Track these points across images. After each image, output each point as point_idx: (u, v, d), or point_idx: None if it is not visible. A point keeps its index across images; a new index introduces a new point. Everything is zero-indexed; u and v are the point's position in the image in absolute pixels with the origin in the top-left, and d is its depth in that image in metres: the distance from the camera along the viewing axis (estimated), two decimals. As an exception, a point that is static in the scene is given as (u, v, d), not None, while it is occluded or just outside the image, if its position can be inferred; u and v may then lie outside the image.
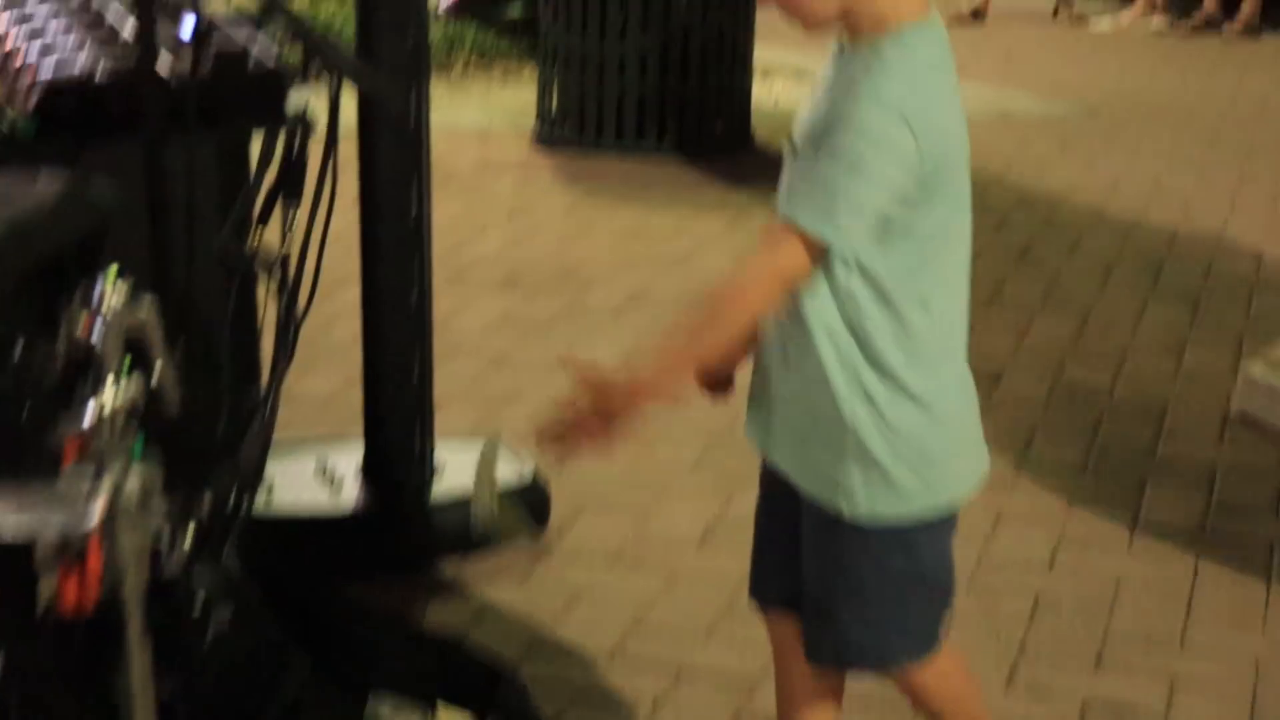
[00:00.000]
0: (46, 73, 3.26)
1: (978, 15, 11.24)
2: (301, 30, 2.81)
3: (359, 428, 4.25)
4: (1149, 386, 5.39)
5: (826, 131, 2.62)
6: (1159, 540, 4.39)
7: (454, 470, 4.22)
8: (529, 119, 7.97)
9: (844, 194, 2.55)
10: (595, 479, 4.31)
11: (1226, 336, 5.81)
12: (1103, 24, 11.24)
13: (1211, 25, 11.01)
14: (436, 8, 9.74)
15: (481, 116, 8.24)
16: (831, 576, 2.88)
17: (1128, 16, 11.30)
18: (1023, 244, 6.64)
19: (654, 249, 6.49)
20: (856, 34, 2.64)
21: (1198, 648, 3.85)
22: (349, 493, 4.18)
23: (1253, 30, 10.75)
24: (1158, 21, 11.16)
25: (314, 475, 4.24)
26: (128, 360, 2.12)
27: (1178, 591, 4.13)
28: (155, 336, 2.14)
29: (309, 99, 3.16)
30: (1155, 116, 8.73)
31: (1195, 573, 4.22)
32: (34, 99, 3.18)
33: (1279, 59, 9.72)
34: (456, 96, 8.59)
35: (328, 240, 3.17)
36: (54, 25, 3.60)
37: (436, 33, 9.24)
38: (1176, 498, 4.64)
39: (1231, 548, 4.36)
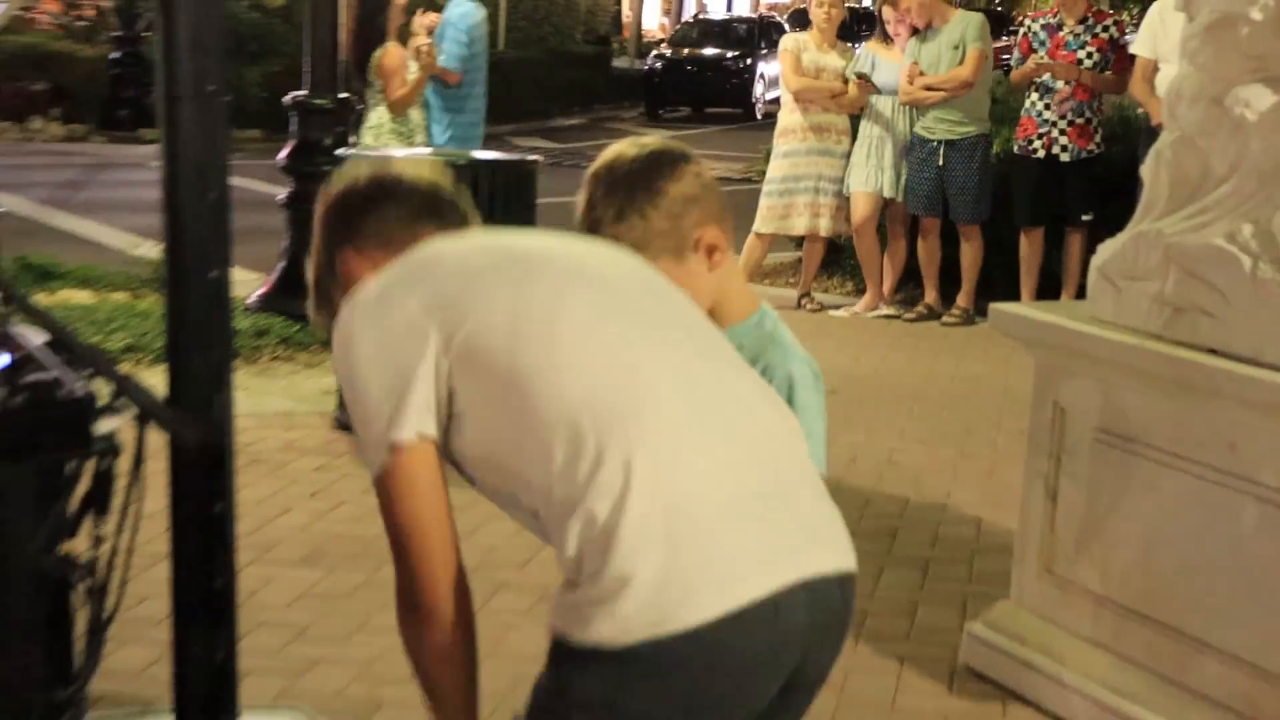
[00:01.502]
0: None
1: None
2: (101, 364, 2.82)
3: (169, 699, 4.15)
4: (887, 645, 5.41)
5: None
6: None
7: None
8: (330, 404, 7.94)
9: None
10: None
11: (953, 596, 5.89)
12: (840, 313, 11.44)
13: (931, 314, 11.25)
14: (246, 300, 9.73)
15: (286, 402, 8.21)
16: None
17: (861, 305, 11.50)
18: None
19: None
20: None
21: None
22: (159, 766, 4.11)
23: (967, 319, 10.97)
24: (885, 310, 11.38)
25: (126, 748, 4.17)
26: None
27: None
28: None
29: (115, 426, 3.17)
30: (886, 396, 8.90)
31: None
32: None
33: (989, 344, 9.90)
34: (262, 383, 8.53)
35: (140, 524, 3.18)
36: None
37: (245, 323, 9.24)
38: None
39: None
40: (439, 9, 11.78)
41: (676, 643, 2.50)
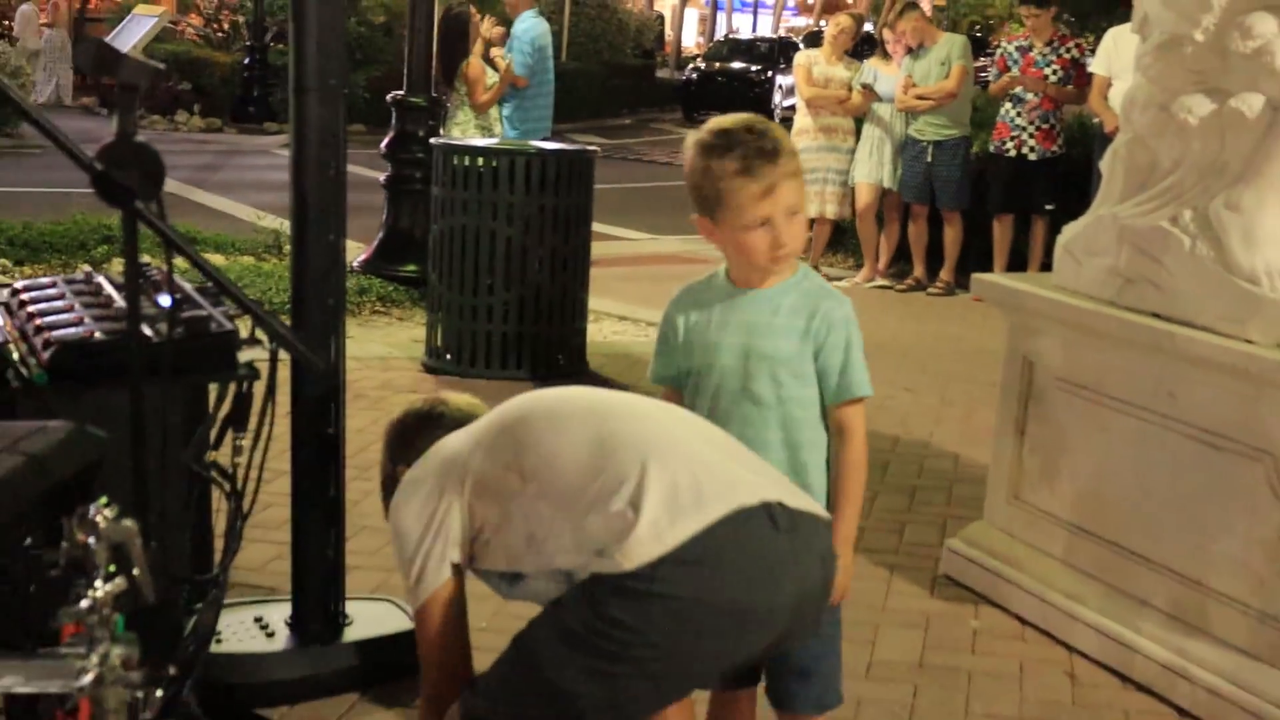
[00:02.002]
0: (57, 334, 3.27)
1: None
2: (248, 304, 2.84)
3: (288, 588, 4.23)
4: (879, 556, 5.43)
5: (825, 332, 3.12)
6: (889, 669, 4.46)
7: (360, 622, 4.22)
8: (419, 351, 7.98)
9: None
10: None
11: (935, 518, 5.90)
12: (842, 284, 11.40)
13: (919, 286, 11.24)
14: (352, 263, 9.75)
15: (382, 349, 8.23)
16: None
17: (860, 277, 11.50)
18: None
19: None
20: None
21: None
22: (280, 639, 4.12)
23: (949, 290, 10.96)
24: (880, 281, 11.38)
25: (253, 626, 4.19)
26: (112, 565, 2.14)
27: (902, 709, 4.19)
28: (135, 546, 2.15)
29: (253, 357, 3.21)
30: (880, 353, 8.74)
31: (914, 693, 4.29)
32: (47, 355, 3.18)
33: (967, 311, 9.89)
34: (363, 332, 8.56)
35: (269, 445, 3.22)
36: (65, 299, 3.61)
37: (350, 282, 9.26)
38: (902, 637, 4.71)
39: (942, 675, 4.44)
40: (507, 22, 11.76)
41: (704, 536, 2.57)
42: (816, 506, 2.84)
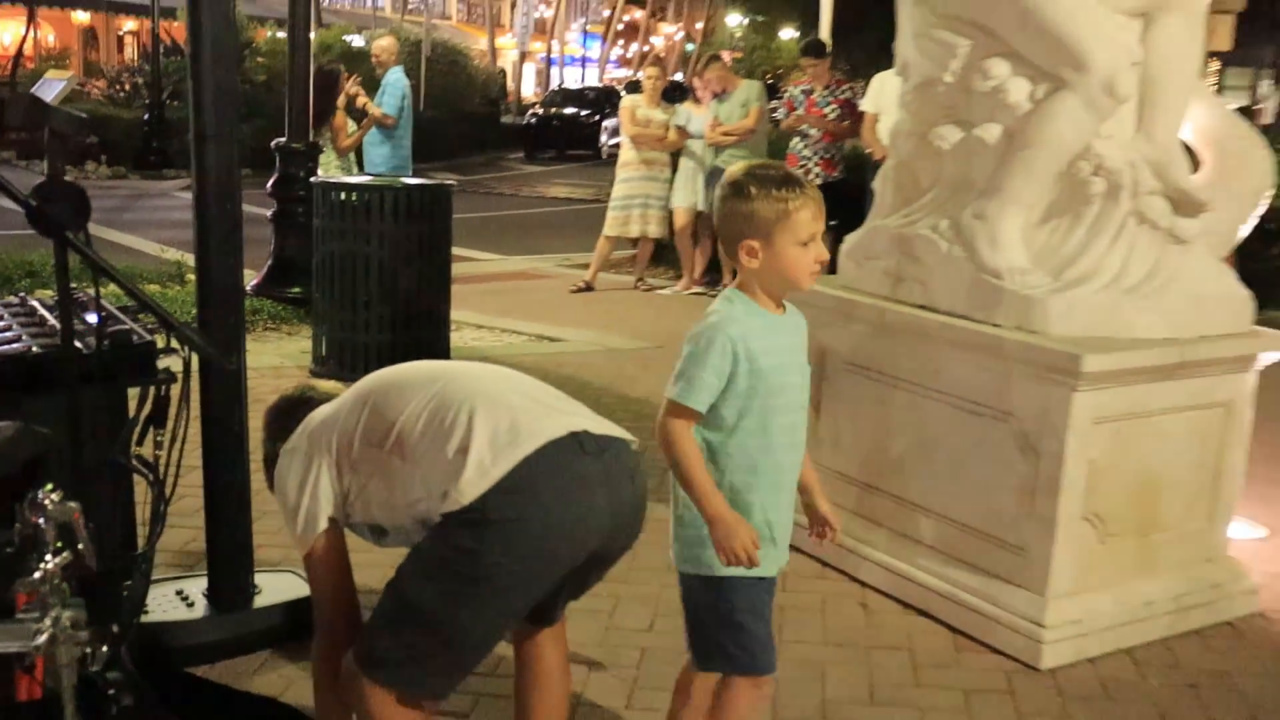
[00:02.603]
0: (-2, 350, 3.22)
1: (588, 288, 11.42)
2: (166, 316, 2.84)
3: (204, 565, 4.21)
4: None
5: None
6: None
7: (267, 591, 4.20)
8: (307, 360, 7.87)
9: None
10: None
11: None
12: (665, 292, 11.48)
13: (729, 291, 11.29)
14: (247, 287, 9.62)
15: (275, 359, 8.11)
16: None
17: (680, 286, 11.56)
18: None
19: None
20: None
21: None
22: (199, 609, 4.10)
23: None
24: (696, 289, 11.44)
25: (175, 598, 4.15)
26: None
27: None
28: (78, 525, 2.15)
29: (169, 362, 3.19)
30: (698, 348, 8.94)
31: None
32: (-11, 368, 3.13)
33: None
34: (259, 345, 8.41)
35: (184, 441, 3.21)
36: (4, 320, 3.55)
37: (247, 304, 9.16)
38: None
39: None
40: (368, 77, 11.83)
41: (522, 467, 2.64)
42: (621, 431, 2.89)
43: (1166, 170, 4.38)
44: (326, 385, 3.12)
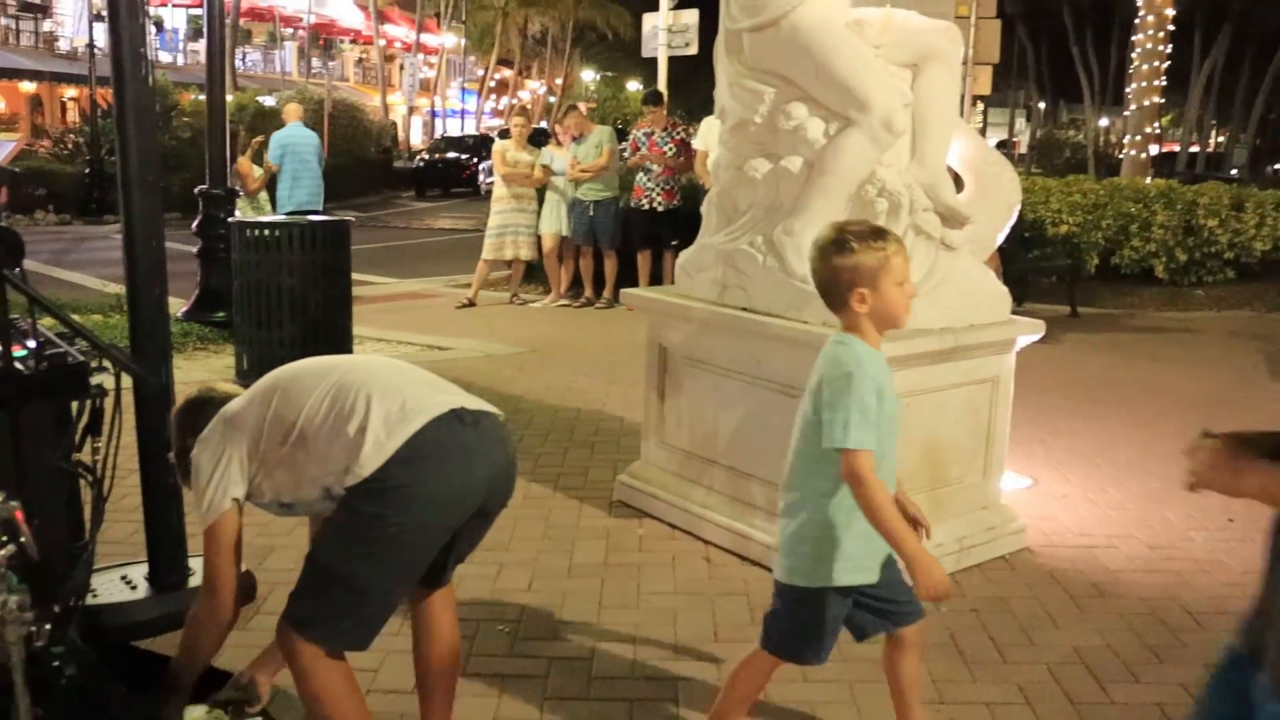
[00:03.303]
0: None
1: (471, 304, 11.31)
2: (92, 339, 2.75)
3: (145, 554, 4.09)
4: (573, 492, 5.43)
5: None
6: (584, 569, 4.46)
7: (200, 574, 4.09)
8: (231, 374, 7.66)
9: None
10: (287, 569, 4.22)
11: (609, 461, 5.91)
12: (536, 305, 11.43)
13: (589, 303, 11.31)
14: (177, 314, 9.39)
15: (203, 374, 7.88)
16: None
17: (548, 300, 11.50)
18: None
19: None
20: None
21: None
22: (141, 590, 3.99)
23: (610, 304, 11.05)
24: (562, 302, 11.42)
25: (120, 583, 4.04)
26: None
27: (595, 595, 4.22)
28: (19, 523, 2.08)
29: (101, 379, 3.09)
30: (565, 352, 8.91)
31: (602, 584, 4.31)
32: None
33: (624, 319, 10.01)
34: (189, 363, 8.22)
35: (120, 449, 3.11)
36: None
37: (176, 329, 8.92)
38: (591, 546, 4.71)
39: (621, 570, 4.47)
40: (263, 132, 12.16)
41: (413, 440, 2.63)
42: (491, 406, 2.86)
43: (936, 191, 4.47)
44: (224, 386, 3.03)
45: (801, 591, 2.83)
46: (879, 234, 2.77)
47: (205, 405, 2.93)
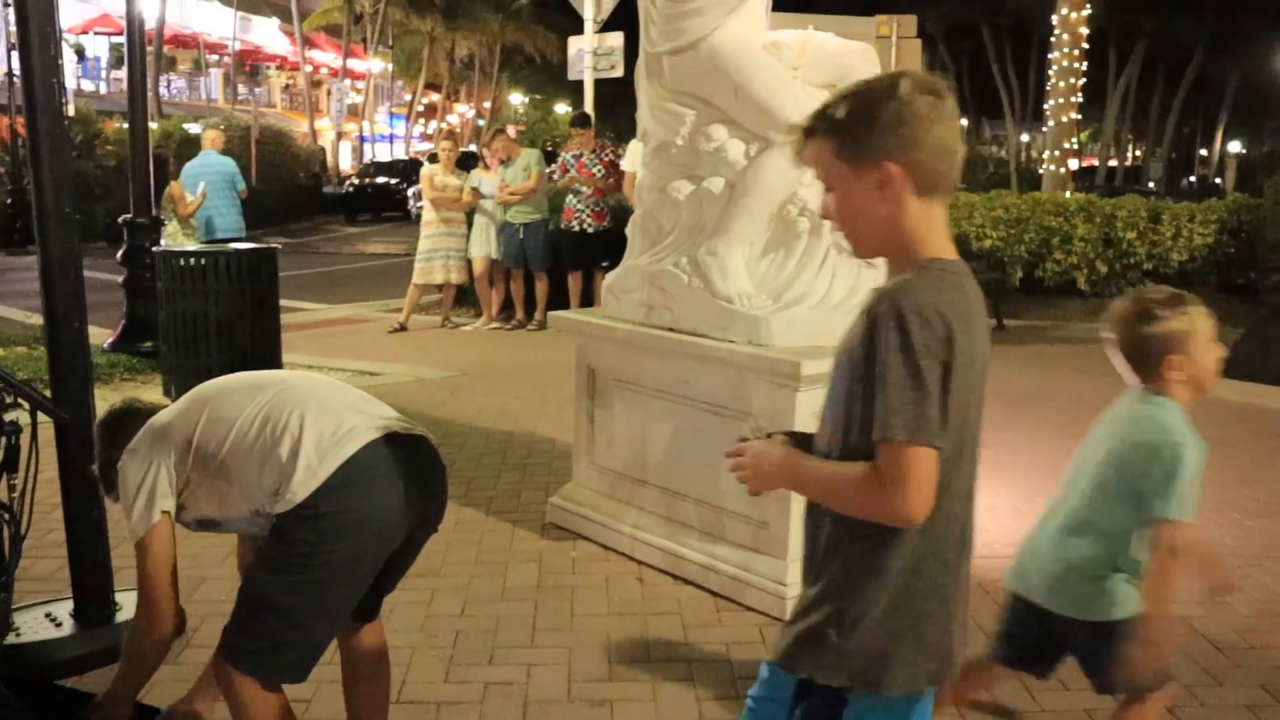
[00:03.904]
0: None
1: (403, 328, 11.25)
2: (8, 379, 2.71)
3: (69, 591, 4.01)
4: (506, 515, 5.42)
5: None
6: (518, 591, 4.43)
7: (128, 607, 4.02)
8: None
9: None
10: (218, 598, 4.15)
11: (542, 483, 5.89)
12: (467, 328, 11.39)
13: (520, 325, 11.29)
14: (103, 345, 9.25)
15: (132, 406, 7.79)
16: None
17: (480, 322, 11.47)
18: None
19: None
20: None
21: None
22: (67, 627, 3.91)
23: (541, 326, 11.01)
24: (494, 324, 11.38)
25: (45, 620, 3.96)
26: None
27: (529, 618, 4.22)
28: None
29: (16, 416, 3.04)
30: (498, 374, 8.89)
31: (536, 607, 4.30)
32: None
33: (555, 340, 9.98)
34: (116, 394, 7.92)
35: (42, 484, 3.06)
36: None
37: (103, 360, 8.77)
38: (524, 569, 4.69)
39: (554, 592, 4.47)
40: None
41: (346, 465, 2.60)
42: (423, 430, 2.84)
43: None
44: (149, 397, 2.98)
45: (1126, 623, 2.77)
46: (1182, 299, 2.75)
47: (131, 417, 2.88)
